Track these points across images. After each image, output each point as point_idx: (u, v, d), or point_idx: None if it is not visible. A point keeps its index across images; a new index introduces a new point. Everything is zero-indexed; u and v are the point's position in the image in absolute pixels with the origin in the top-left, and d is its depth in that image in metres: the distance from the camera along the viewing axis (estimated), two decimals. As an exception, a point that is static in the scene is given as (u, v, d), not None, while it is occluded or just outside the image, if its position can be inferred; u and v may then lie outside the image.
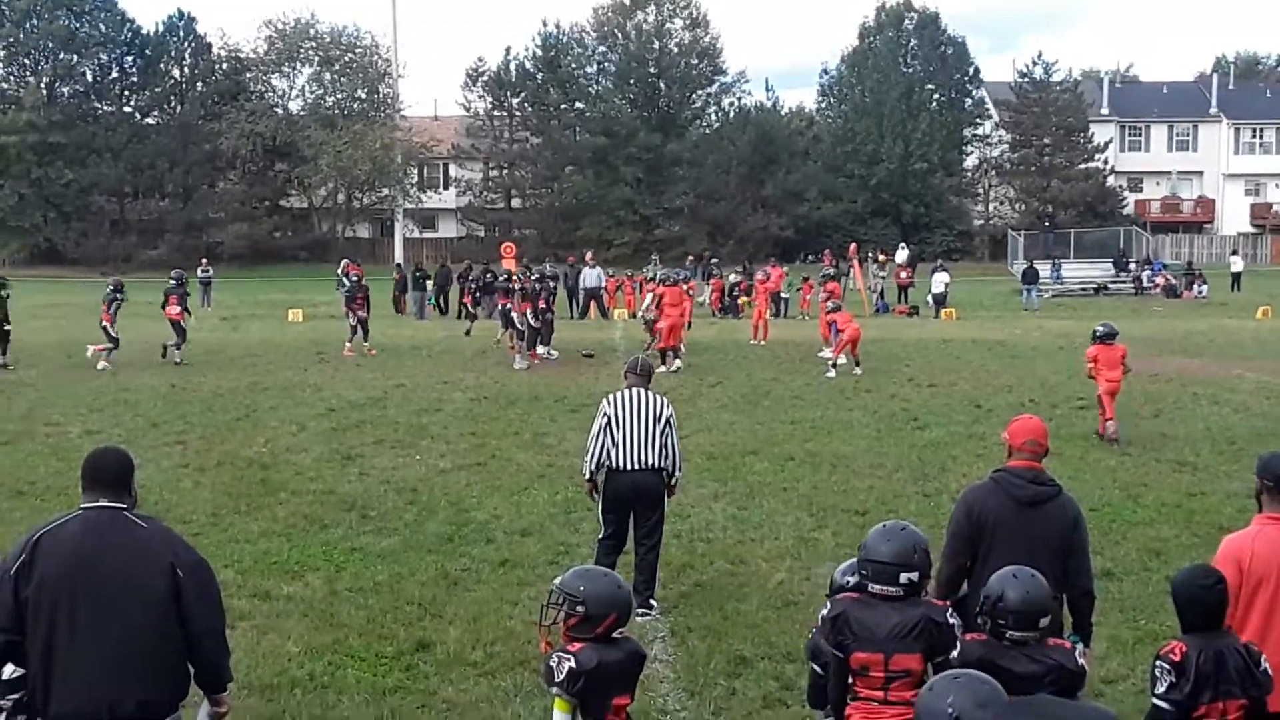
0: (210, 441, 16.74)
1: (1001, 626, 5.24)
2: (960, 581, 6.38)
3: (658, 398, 9.86)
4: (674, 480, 9.90)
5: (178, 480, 14.27)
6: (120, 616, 5.09)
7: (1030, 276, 48.44)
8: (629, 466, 9.55)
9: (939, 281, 43.83)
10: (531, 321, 26.01)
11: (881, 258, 48.46)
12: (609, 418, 9.62)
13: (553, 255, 49.26)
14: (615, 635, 5.24)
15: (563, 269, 41.00)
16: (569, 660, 5.09)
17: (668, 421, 9.70)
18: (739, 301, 41.42)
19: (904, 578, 5.28)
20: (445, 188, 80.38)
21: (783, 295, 41.11)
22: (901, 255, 49.61)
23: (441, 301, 41.96)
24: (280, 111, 76.77)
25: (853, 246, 44.50)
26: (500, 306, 28.74)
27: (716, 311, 41.15)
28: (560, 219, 76.07)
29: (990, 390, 21.72)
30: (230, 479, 14.34)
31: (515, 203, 79.41)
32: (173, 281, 26.80)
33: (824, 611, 5.39)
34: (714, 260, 50.63)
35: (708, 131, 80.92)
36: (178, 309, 25.97)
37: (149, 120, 78.32)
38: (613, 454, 9.56)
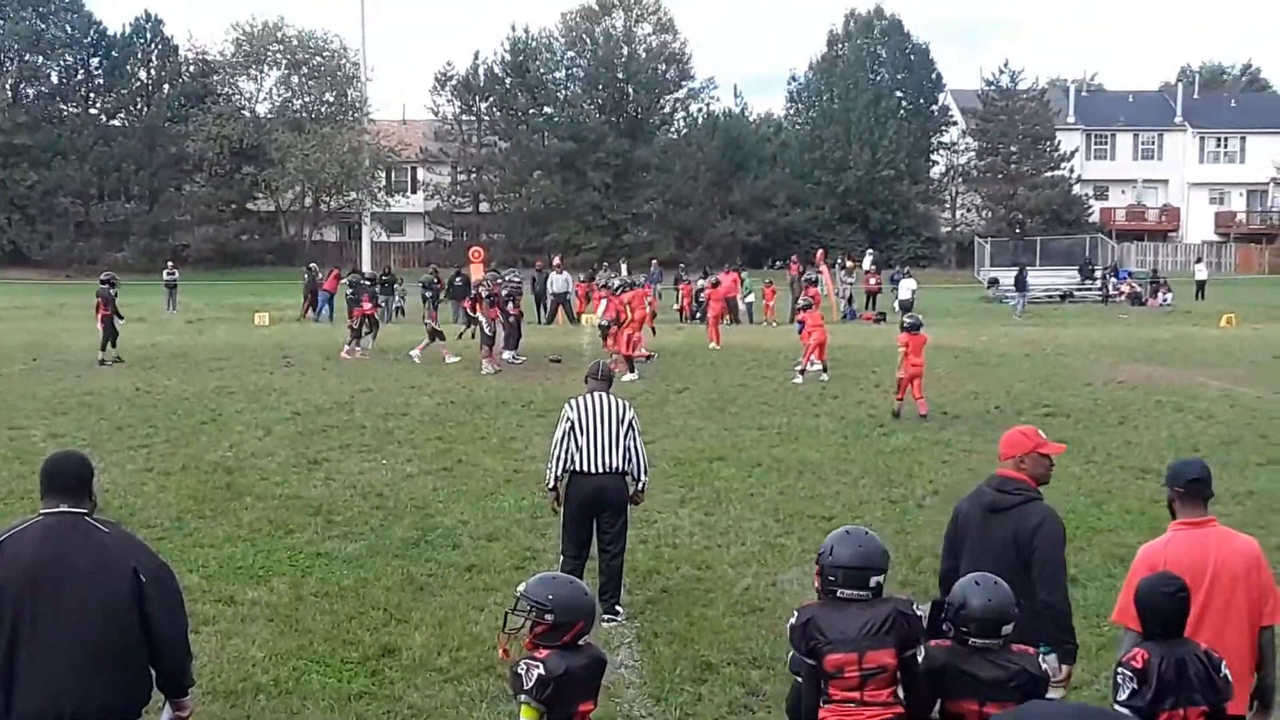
0: (175, 445, 16.63)
1: (965, 633, 5.27)
2: (953, 581, 6.41)
3: (620, 401, 9.83)
4: (641, 485, 9.85)
5: (142, 484, 14.16)
6: (82, 622, 5.04)
7: (1021, 284, 48.56)
8: (593, 470, 9.51)
9: (906, 288, 44.01)
10: (487, 329, 25.79)
11: (849, 264, 48.60)
12: (572, 422, 9.59)
13: (521, 260, 49.18)
14: (579, 642, 5.25)
15: (530, 274, 40.87)
16: (538, 667, 5.09)
17: (630, 425, 9.66)
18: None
19: (873, 581, 5.34)
20: (413, 191, 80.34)
21: (739, 301, 41.14)
22: (868, 261, 49.77)
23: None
24: (248, 114, 76.58)
25: (819, 253, 44.68)
26: (463, 310, 29.13)
27: (685, 317, 41.11)
28: (528, 224, 76.08)
29: (956, 397, 21.81)
30: (195, 483, 14.24)
31: (484, 207, 79.39)
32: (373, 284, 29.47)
33: (791, 621, 5.40)
34: (681, 266, 50.65)
35: (676, 137, 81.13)
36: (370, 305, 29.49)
37: (115, 122, 77.93)
38: (576, 458, 9.52)
